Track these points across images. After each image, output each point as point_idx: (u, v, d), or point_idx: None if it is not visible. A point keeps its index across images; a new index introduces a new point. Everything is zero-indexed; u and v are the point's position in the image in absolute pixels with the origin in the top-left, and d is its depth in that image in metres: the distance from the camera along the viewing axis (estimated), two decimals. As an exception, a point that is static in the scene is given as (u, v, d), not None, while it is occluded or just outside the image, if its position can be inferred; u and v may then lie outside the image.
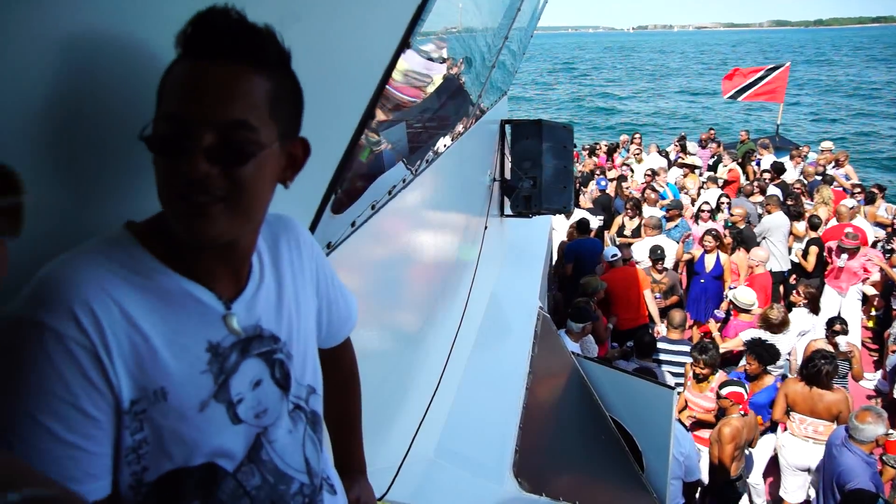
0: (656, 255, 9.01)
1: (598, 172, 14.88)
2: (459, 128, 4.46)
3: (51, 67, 1.15)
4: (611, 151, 17.65)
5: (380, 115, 2.15)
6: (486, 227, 5.38)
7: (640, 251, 9.59)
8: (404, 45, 2.18)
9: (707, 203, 11.21)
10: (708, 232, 9.56)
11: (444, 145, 4.00)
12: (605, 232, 11.30)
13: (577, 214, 10.36)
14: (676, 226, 10.57)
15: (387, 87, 2.15)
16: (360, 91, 2.08)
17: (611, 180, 13.61)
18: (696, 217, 11.16)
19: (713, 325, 8.97)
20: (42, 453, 1.07)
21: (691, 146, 16.78)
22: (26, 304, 1.09)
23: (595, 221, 10.81)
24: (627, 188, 13.57)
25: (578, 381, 5.32)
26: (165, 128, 1.13)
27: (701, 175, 14.40)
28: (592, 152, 17.60)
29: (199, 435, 1.24)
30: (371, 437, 2.02)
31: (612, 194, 12.95)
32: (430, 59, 3.26)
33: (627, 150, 16.50)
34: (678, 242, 10.12)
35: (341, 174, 2.00)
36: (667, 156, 16.43)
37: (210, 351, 1.26)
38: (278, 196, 1.31)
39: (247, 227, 1.27)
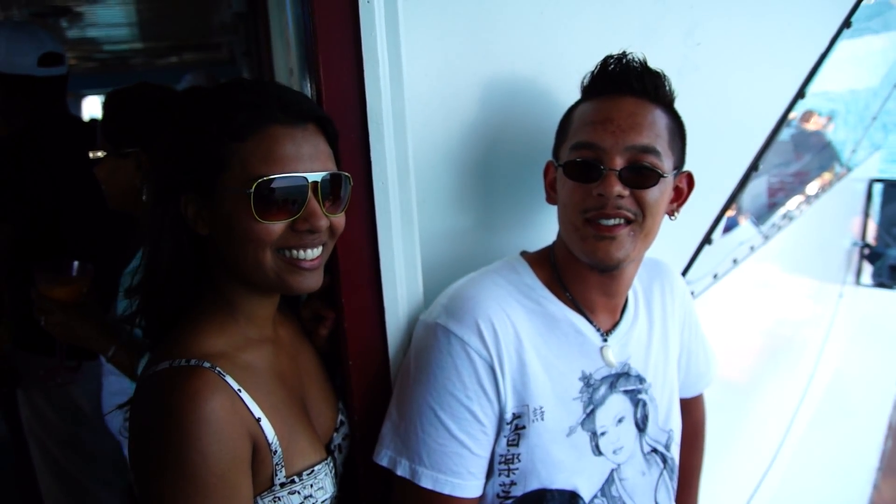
0: None
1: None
2: (822, 185, 4.12)
3: (481, 103, 1.45)
4: None
5: (763, 166, 2.15)
6: (840, 296, 4.84)
7: None
8: (798, 96, 2.16)
9: None
10: None
11: (805, 203, 3.73)
12: None
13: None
14: None
15: (777, 137, 2.15)
16: (751, 138, 2.11)
17: None
18: None
19: None
20: (437, 445, 1.25)
21: None
22: (440, 313, 1.30)
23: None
24: None
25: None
26: (582, 155, 1.28)
27: None
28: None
29: (565, 459, 1.32)
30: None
31: None
32: (815, 114, 3.12)
33: None
34: None
35: (718, 221, 2.04)
36: None
37: (583, 380, 1.36)
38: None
39: (643, 252, 1.36)
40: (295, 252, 1.10)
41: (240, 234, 1.07)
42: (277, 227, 1.07)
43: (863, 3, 2.29)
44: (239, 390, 1.06)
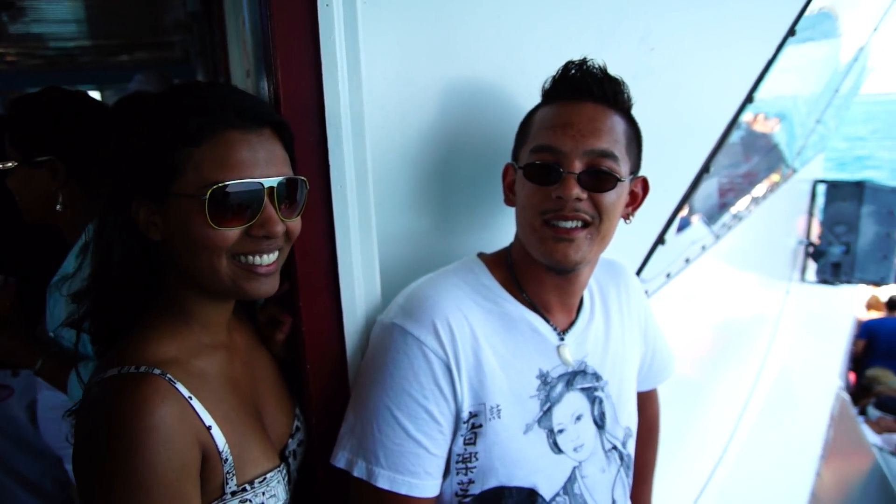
0: None
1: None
2: (769, 185, 4.26)
3: (440, 106, 1.46)
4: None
5: (714, 168, 2.22)
6: (786, 293, 5.00)
7: None
8: (747, 100, 2.23)
9: None
10: None
11: (754, 203, 3.85)
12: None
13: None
14: None
15: (727, 140, 2.23)
16: (702, 141, 2.18)
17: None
18: None
19: None
20: (394, 445, 1.25)
21: None
22: (397, 313, 1.32)
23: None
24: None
25: (880, 480, 4.65)
26: (541, 158, 1.31)
27: None
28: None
29: (523, 456, 1.34)
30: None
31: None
32: (763, 116, 3.22)
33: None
34: None
35: (671, 222, 2.10)
36: None
37: (540, 378, 1.38)
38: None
39: (598, 254, 1.39)
40: (251, 258, 1.09)
41: (194, 240, 1.06)
42: (232, 233, 1.06)
43: (805, 13, 2.38)
44: (190, 398, 1.05)
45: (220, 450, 1.07)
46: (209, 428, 1.06)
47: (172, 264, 1.12)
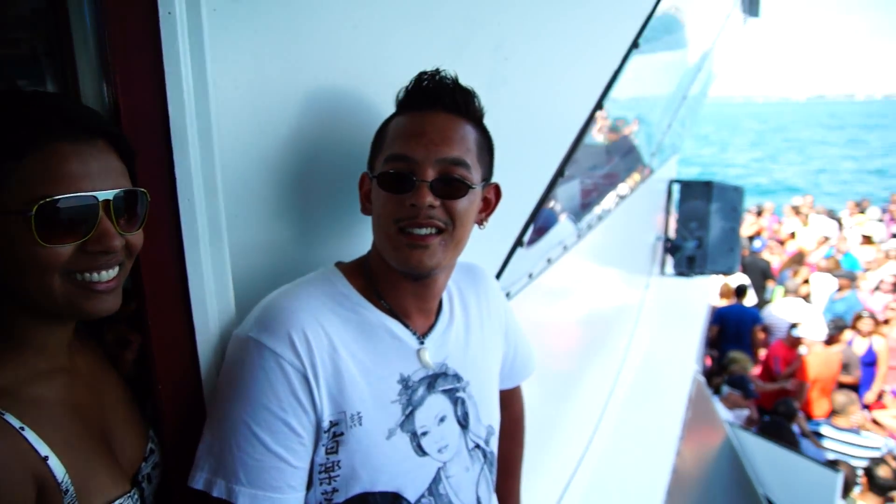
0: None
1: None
2: (629, 186, 4.53)
3: (296, 116, 1.45)
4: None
5: (569, 171, 2.34)
6: (647, 286, 5.35)
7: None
8: (598, 106, 2.36)
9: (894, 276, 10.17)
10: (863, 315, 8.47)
11: (615, 203, 4.08)
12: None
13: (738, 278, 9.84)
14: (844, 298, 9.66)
15: (579, 145, 2.35)
16: (555, 146, 2.28)
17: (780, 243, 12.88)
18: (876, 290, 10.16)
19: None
20: (254, 461, 1.24)
21: (873, 211, 15.50)
22: (252, 326, 1.30)
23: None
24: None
25: (730, 452, 5.09)
26: (395, 167, 1.34)
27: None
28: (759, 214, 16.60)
29: (386, 461, 1.36)
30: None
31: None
32: (617, 121, 3.42)
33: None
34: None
35: (528, 225, 2.19)
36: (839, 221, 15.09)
37: (401, 383, 1.40)
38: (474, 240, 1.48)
39: (453, 260, 1.43)
40: (87, 275, 1.04)
41: (21, 259, 0.99)
42: (65, 250, 1.01)
43: (652, 18, 2.56)
44: (21, 428, 0.98)
45: (60, 480, 1.01)
46: (45, 458, 1.00)
47: None
